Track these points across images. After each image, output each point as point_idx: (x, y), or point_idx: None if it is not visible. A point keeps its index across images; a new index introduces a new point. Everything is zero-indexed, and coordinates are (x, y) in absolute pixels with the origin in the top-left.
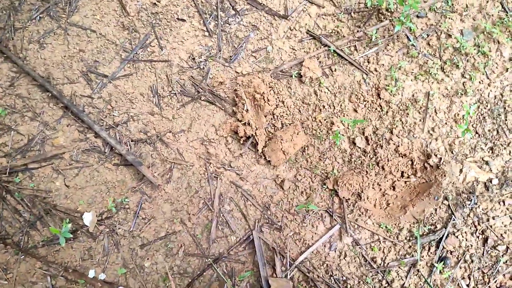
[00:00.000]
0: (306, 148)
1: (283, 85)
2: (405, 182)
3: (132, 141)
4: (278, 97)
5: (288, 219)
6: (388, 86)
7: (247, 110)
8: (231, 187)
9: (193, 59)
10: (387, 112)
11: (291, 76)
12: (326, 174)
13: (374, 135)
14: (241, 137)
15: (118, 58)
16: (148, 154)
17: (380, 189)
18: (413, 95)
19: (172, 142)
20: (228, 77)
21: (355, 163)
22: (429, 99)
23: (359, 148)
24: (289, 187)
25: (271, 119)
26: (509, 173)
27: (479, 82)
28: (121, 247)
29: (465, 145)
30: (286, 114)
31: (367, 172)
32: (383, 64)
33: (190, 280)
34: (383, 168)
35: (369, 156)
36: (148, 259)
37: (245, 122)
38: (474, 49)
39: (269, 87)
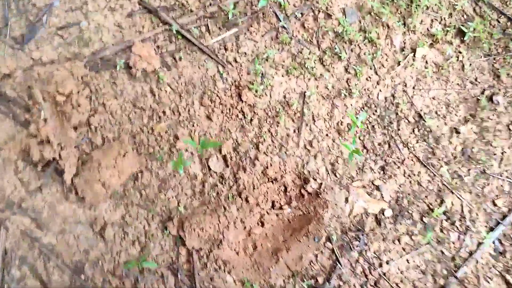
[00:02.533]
0: (139, 175)
1: (104, 80)
2: (277, 214)
3: None
4: (96, 99)
5: (112, 285)
6: (252, 84)
7: (45, 120)
8: (23, 241)
9: None
10: (251, 120)
11: (116, 67)
12: (168, 213)
13: (234, 153)
14: (38, 161)
15: None
16: None
17: (245, 227)
18: (284, 96)
19: None
20: (20, 66)
21: (210, 194)
22: (305, 101)
23: (215, 173)
24: (114, 235)
25: (86, 132)
26: (404, 201)
27: (367, 79)
28: None
29: (350, 165)
30: (110, 124)
31: (225, 207)
32: (245, 53)
33: None
34: (247, 201)
35: (229, 184)
36: None
37: (42, 139)
38: (360, 35)
39: (83, 83)
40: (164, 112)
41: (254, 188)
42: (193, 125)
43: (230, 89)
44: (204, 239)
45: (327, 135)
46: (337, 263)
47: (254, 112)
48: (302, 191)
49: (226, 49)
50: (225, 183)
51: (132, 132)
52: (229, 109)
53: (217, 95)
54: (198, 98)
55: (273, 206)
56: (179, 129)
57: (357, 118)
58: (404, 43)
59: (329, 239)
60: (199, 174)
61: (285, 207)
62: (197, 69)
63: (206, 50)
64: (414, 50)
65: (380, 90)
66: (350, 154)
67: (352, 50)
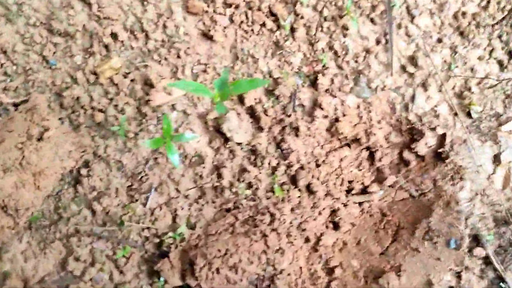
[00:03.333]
0: (82, 172)
1: None
2: (360, 204)
3: None
4: None
5: None
6: None
7: None
8: None
9: None
10: (292, 29)
11: None
12: (158, 243)
13: (270, 101)
14: None
15: None
16: None
17: (307, 239)
18: None
19: None
20: None
21: (236, 191)
22: None
23: (239, 145)
24: None
25: None
26: None
27: None
28: None
29: (493, 92)
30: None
31: (271, 212)
32: None
33: None
34: (309, 190)
35: (270, 164)
36: None
37: None
38: None
39: None
40: (114, 36)
41: (318, 165)
42: (177, 55)
43: None
44: (239, 285)
45: (440, 40)
46: (500, 283)
47: (295, 13)
48: (406, 154)
49: None
50: (262, 163)
51: (55, 86)
52: (245, 14)
53: None
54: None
55: (348, 190)
56: (152, 65)
57: None
58: None
59: (476, 239)
60: (207, 154)
61: (373, 189)
62: None
63: None
64: None
65: None
66: None
67: None
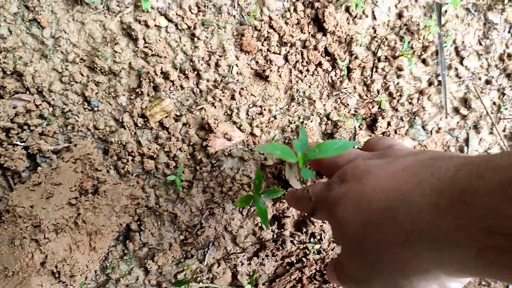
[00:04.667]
0: (132, 224)
1: None
2: None
3: None
4: None
5: None
6: None
7: None
8: None
9: None
10: (349, 70)
11: None
12: None
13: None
14: None
15: None
16: None
17: None
18: (400, 15)
19: None
20: None
21: (299, 245)
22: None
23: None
24: None
25: None
26: None
27: None
28: None
29: None
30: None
31: None
32: None
33: None
34: None
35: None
36: None
37: None
38: None
39: None
40: (165, 75)
41: None
42: (232, 97)
43: (295, 10)
44: None
45: (488, 82)
46: None
47: (350, 53)
48: None
49: None
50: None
51: (97, 130)
52: (301, 53)
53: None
54: (232, 32)
55: None
56: (206, 108)
57: None
58: None
59: None
60: (266, 202)
61: None
62: None
63: None
64: None
65: None
66: None
67: None
